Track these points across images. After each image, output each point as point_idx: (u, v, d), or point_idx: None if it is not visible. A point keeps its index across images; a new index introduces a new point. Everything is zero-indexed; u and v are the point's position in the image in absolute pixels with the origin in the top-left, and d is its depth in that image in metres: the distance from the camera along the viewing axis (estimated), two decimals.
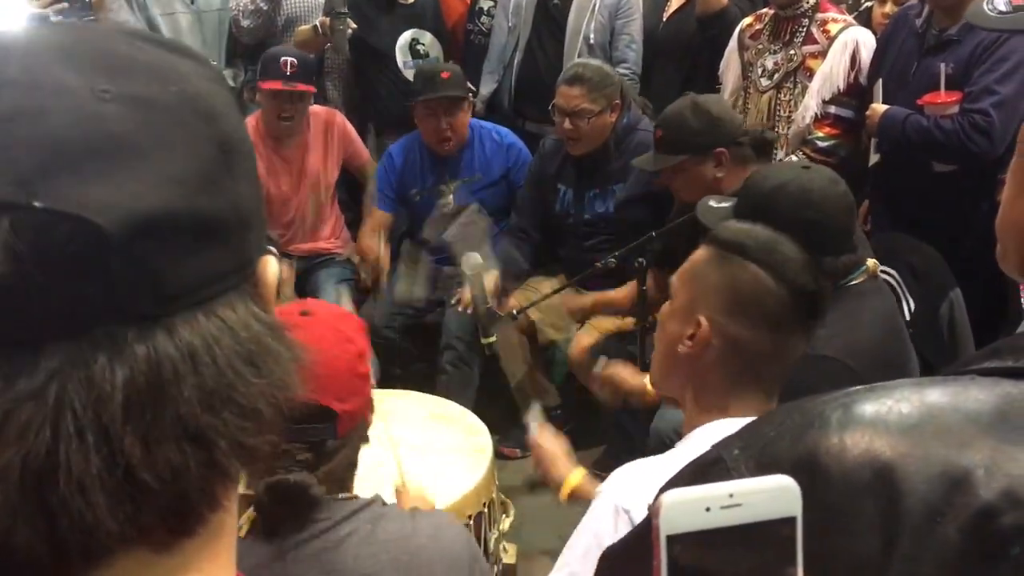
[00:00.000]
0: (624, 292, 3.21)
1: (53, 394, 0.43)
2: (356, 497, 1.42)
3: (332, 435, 1.36)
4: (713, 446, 0.68)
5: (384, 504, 1.45)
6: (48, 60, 0.46)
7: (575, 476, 1.88)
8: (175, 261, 0.46)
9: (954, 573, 0.56)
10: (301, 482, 1.31)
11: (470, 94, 3.78)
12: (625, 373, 2.39)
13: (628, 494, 1.45)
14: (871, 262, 2.09)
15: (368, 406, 1.45)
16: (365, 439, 1.47)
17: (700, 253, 1.62)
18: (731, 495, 0.49)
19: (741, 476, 0.64)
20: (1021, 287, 2.42)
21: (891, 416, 0.62)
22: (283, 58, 3.68)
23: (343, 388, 1.38)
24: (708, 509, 0.48)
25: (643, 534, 0.49)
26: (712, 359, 1.53)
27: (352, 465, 1.45)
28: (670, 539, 0.48)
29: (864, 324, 2.01)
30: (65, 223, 0.42)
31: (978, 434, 0.60)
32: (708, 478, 0.67)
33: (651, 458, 1.55)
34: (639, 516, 1.39)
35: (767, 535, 0.49)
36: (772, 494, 0.50)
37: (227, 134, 0.50)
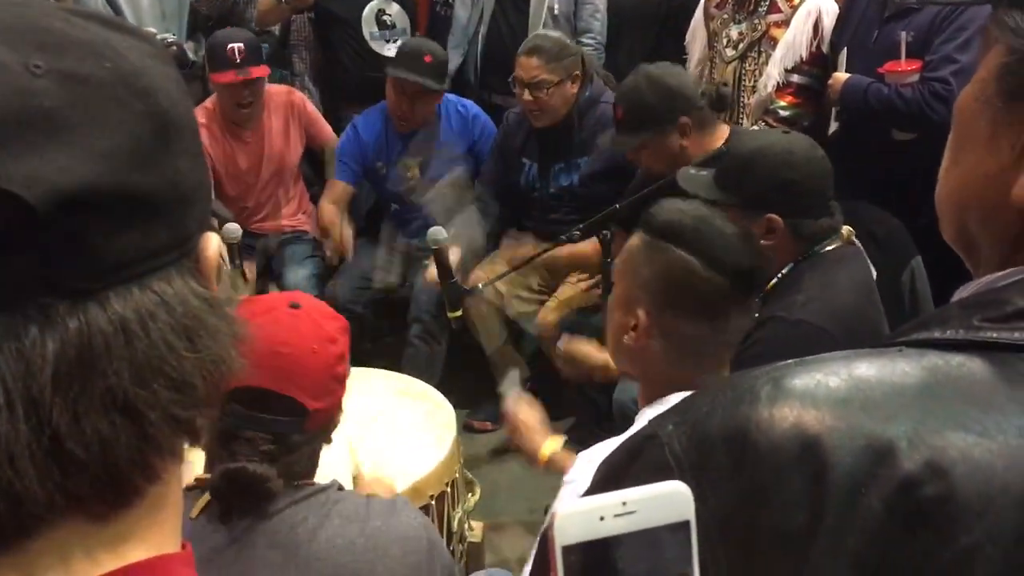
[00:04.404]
0: (590, 245, 3.17)
1: None
2: (312, 484, 1.41)
3: (299, 430, 1.34)
4: (649, 422, 0.69)
5: (340, 489, 1.43)
6: None
7: (550, 445, 1.89)
8: (107, 236, 0.46)
9: (877, 543, 0.57)
10: (262, 474, 1.30)
11: (444, 86, 3.74)
12: (587, 349, 2.37)
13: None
14: (846, 229, 2.11)
15: (339, 407, 1.43)
16: (328, 439, 1.46)
17: (635, 241, 1.64)
18: (624, 503, 0.49)
19: (675, 451, 0.64)
20: None
21: (819, 390, 0.62)
22: (229, 46, 3.56)
23: (318, 387, 1.36)
24: (602, 518, 0.49)
25: (544, 546, 0.50)
26: (656, 348, 1.57)
27: (313, 462, 1.43)
28: (565, 549, 0.48)
29: (841, 289, 2.02)
30: None
31: (903, 406, 0.60)
32: (643, 454, 0.67)
33: (615, 439, 1.56)
34: None
35: (662, 540, 0.50)
36: (665, 500, 0.50)
37: (164, 110, 0.50)
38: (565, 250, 3.08)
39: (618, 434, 1.59)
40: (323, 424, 1.40)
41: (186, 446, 0.54)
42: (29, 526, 0.46)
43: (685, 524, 0.50)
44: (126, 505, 0.49)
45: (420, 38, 4.03)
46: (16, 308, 0.44)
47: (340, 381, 1.40)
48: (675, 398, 1.52)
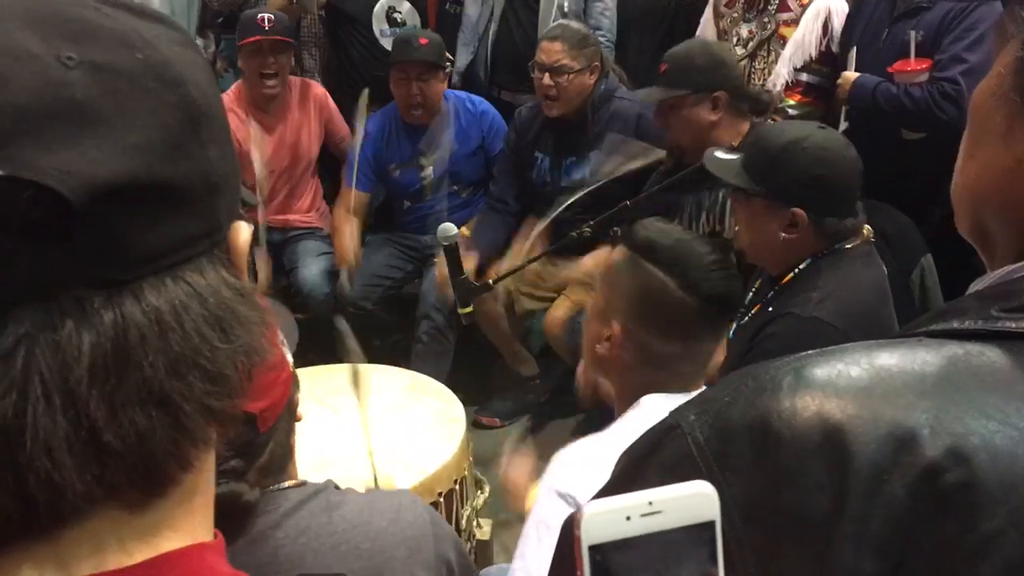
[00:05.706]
0: (592, 260, 3.16)
1: (21, 358, 0.44)
2: (303, 483, 1.33)
3: (255, 434, 1.23)
4: (670, 413, 0.69)
5: (337, 489, 1.35)
6: (12, 26, 0.46)
7: (533, 497, 1.89)
8: (141, 227, 0.46)
9: (901, 530, 0.58)
10: (231, 492, 1.19)
11: (447, 65, 3.75)
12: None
13: (567, 478, 1.47)
14: (866, 227, 2.09)
15: (288, 388, 1.30)
16: (295, 418, 1.35)
17: (617, 253, 1.66)
18: (651, 503, 0.49)
19: (697, 440, 0.65)
20: None
21: (841, 379, 0.63)
22: (260, 15, 3.71)
23: (253, 387, 1.20)
24: (628, 518, 0.49)
25: (567, 544, 0.50)
26: (627, 361, 1.59)
27: (287, 451, 1.32)
28: (592, 549, 0.49)
29: (856, 288, 2.01)
30: (27, 190, 0.43)
31: (924, 395, 0.61)
32: (665, 444, 0.67)
33: (589, 438, 1.57)
34: (583, 497, 1.39)
35: (688, 540, 0.50)
36: (691, 500, 0.50)
37: (195, 100, 0.50)
38: (580, 269, 3.08)
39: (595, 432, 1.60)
40: (279, 414, 1.28)
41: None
42: (66, 516, 0.46)
43: (711, 524, 0.51)
44: (161, 494, 0.49)
45: (413, 29, 4.05)
46: (51, 301, 0.44)
47: (276, 366, 1.27)
48: (648, 400, 1.54)
